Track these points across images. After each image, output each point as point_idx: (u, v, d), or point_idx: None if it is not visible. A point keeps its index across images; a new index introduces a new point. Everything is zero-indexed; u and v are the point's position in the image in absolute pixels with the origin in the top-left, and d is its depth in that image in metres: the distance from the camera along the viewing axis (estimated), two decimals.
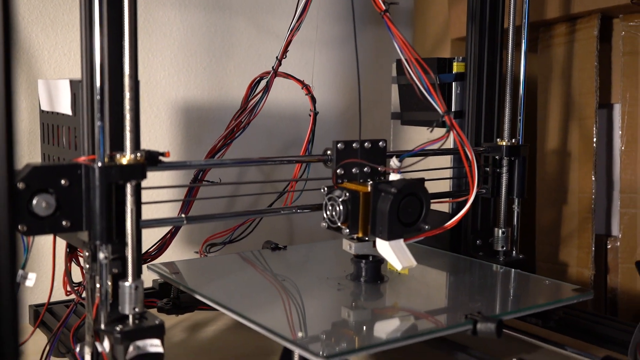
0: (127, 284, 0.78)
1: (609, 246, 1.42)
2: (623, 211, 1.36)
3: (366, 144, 0.97)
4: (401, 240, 0.90)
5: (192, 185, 1.09)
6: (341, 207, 0.90)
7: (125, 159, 0.77)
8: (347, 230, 0.90)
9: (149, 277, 1.08)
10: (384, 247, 0.90)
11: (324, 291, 0.97)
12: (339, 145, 0.95)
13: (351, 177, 0.96)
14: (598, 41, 1.37)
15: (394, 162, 0.92)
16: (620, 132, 1.37)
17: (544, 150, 1.48)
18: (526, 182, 1.29)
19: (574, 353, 0.97)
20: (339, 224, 0.90)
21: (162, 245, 1.12)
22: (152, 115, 1.31)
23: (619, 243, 1.38)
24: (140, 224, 0.80)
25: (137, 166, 0.77)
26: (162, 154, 0.83)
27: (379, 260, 1.00)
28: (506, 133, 1.28)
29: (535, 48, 1.50)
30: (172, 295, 1.02)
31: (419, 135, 1.40)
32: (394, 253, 0.89)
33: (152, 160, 0.81)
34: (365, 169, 0.96)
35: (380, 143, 0.99)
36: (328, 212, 0.92)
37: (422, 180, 0.92)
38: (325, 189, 0.93)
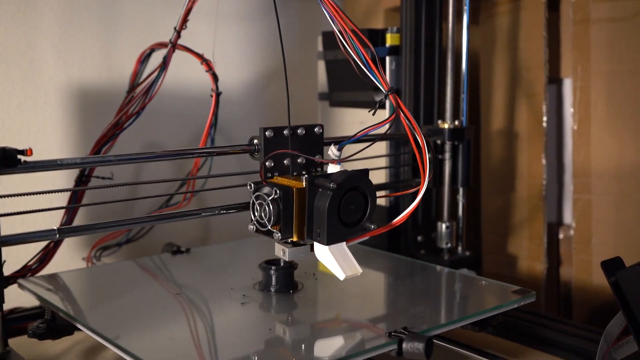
0: None
1: (561, 236, 1.39)
2: (576, 197, 1.33)
3: (299, 130, 0.89)
4: (343, 244, 0.83)
5: (70, 190, 0.98)
6: (271, 206, 0.82)
7: None
8: (279, 234, 0.82)
9: None
10: (323, 253, 0.82)
11: (224, 306, 0.90)
12: (267, 132, 0.87)
13: (283, 170, 0.88)
14: (546, 9, 1.33)
15: (332, 151, 0.84)
16: (571, 110, 1.34)
17: (489, 131, 1.44)
18: (471, 170, 1.24)
19: None
20: (269, 227, 0.82)
21: (45, 256, 1.02)
22: (39, 102, 1.20)
23: (572, 232, 1.35)
24: None
25: None
26: (23, 152, 0.74)
27: (292, 266, 0.94)
28: (448, 114, 1.23)
29: (476, 19, 1.45)
30: (46, 316, 0.92)
31: (351, 118, 1.34)
32: (334, 259, 0.81)
33: (9, 160, 0.72)
34: (299, 160, 0.89)
35: (316, 129, 0.91)
36: (257, 213, 0.84)
37: (366, 171, 0.85)
38: (252, 185, 0.85)
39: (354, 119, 1.32)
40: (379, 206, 1.26)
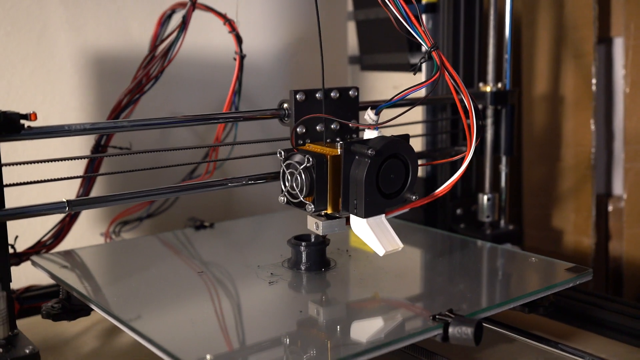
0: None
1: (610, 208, 1.34)
2: (628, 166, 1.28)
3: (333, 93, 0.84)
4: (382, 217, 0.78)
5: (84, 157, 0.94)
6: (303, 176, 0.77)
7: None
8: (312, 206, 0.78)
9: None
10: (360, 226, 0.77)
11: (251, 285, 0.85)
12: (298, 95, 0.82)
13: (315, 137, 0.83)
14: None
15: (369, 115, 0.79)
16: (623, 72, 1.28)
17: (532, 95, 1.38)
18: (515, 136, 1.19)
19: (566, 351, 0.87)
20: (302, 198, 0.78)
21: (60, 231, 0.98)
22: (54, 69, 1.15)
23: (623, 204, 1.30)
24: None
25: None
26: (26, 117, 0.69)
27: (323, 242, 0.88)
28: (490, 76, 1.17)
29: None
30: (60, 296, 0.88)
31: (383, 82, 1.29)
32: (373, 233, 0.77)
33: (10, 125, 0.68)
34: (333, 126, 0.84)
35: (351, 92, 0.86)
36: (287, 183, 0.80)
37: (406, 137, 0.80)
38: (282, 153, 0.80)
39: (387, 84, 1.27)
40: None
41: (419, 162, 1.20)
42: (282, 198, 0.81)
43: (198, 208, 1.30)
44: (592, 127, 1.29)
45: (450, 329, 0.69)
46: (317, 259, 0.88)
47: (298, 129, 0.82)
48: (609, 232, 1.34)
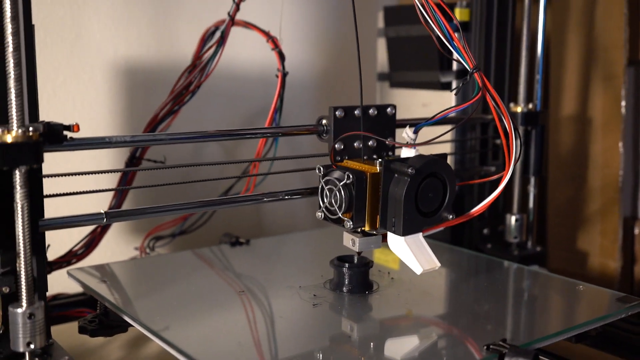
0: (19, 310, 0.65)
1: (637, 231, 1.34)
2: None
3: (371, 110, 0.85)
4: (420, 235, 0.79)
5: (121, 170, 0.95)
6: (342, 192, 0.77)
7: (11, 135, 0.63)
8: (350, 223, 0.78)
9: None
10: (398, 244, 0.78)
11: (295, 307, 0.84)
12: (337, 112, 0.83)
13: (353, 154, 0.84)
14: None
15: (407, 133, 0.80)
16: None
17: (559, 116, 1.38)
18: (544, 158, 1.19)
19: None
20: (340, 215, 0.78)
21: (91, 242, 0.99)
22: (85, 79, 1.16)
23: None
24: (38, 226, 0.68)
25: (26, 145, 0.64)
26: (69, 128, 0.70)
27: (367, 264, 0.87)
28: (522, 96, 1.17)
29: None
30: (98, 311, 0.88)
31: (412, 100, 1.29)
32: (411, 252, 0.77)
33: (54, 136, 0.68)
34: (370, 143, 0.84)
35: (389, 109, 0.87)
36: (326, 199, 0.80)
37: (444, 156, 0.81)
38: (322, 169, 0.81)
39: (416, 101, 1.28)
40: None
41: (467, 181, 1.21)
42: (320, 214, 0.81)
43: (231, 226, 1.30)
44: (621, 149, 1.29)
45: None
46: (360, 281, 0.87)
47: (337, 146, 0.83)
48: (635, 256, 1.34)
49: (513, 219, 1.18)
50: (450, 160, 1.22)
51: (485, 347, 0.70)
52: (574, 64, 1.35)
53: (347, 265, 0.87)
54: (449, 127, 1.20)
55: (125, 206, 1.13)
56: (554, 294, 0.93)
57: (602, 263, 1.33)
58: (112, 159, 1.18)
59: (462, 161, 1.23)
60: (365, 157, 0.84)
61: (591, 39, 1.32)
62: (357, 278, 0.87)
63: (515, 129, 0.78)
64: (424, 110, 1.28)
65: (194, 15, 1.27)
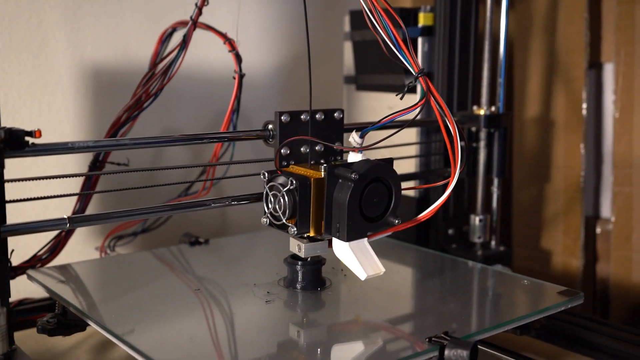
0: None
1: (598, 230, 1.28)
2: (617, 189, 1.22)
3: (318, 115, 0.79)
4: (365, 241, 0.73)
5: (83, 175, 0.90)
6: (286, 198, 0.72)
7: None
8: (294, 229, 0.73)
9: None
10: (342, 250, 0.73)
11: (248, 305, 0.80)
12: (283, 117, 0.77)
13: (300, 159, 0.78)
14: None
15: (353, 138, 0.74)
16: (613, 97, 1.22)
17: (523, 118, 1.33)
18: (507, 159, 1.14)
19: None
20: (284, 221, 0.73)
21: (56, 245, 0.94)
22: (51, 82, 1.11)
23: (611, 226, 1.24)
24: (0, 231, 0.64)
25: None
26: (31, 134, 0.66)
27: (319, 261, 0.83)
28: (484, 99, 1.12)
29: None
30: (56, 310, 0.83)
31: (378, 103, 1.24)
32: (355, 257, 0.72)
33: (15, 142, 0.65)
34: (318, 148, 0.79)
35: (336, 114, 0.81)
36: (270, 205, 0.75)
37: (390, 161, 0.75)
38: (266, 174, 0.75)
39: (382, 104, 1.22)
40: (407, 197, 1.16)
41: (411, 183, 1.16)
42: (265, 220, 0.76)
43: (193, 223, 1.25)
44: (582, 150, 1.24)
45: (446, 352, 0.66)
46: (312, 278, 0.83)
47: (282, 151, 0.77)
48: (596, 254, 1.29)
49: (477, 219, 1.14)
50: (415, 161, 1.17)
51: (427, 340, 0.68)
52: (537, 67, 1.30)
53: (299, 263, 0.82)
54: (414, 130, 1.15)
55: (90, 209, 1.08)
56: (500, 289, 0.90)
57: (565, 261, 1.28)
58: (78, 162, 1.12)
59: (427, 163, 1.18)
60: (312, 162, 0.79)
61: (553, 42, 1.27)
62: (310, 275, 0.83)
63: (461, 134, 0.72)
64: (389, 112, 1.22)
65: (159, 17, 1.21)
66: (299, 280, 0.83)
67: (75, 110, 1.14)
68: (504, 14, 1.11)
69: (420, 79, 0.72)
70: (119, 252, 1.11)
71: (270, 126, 0.79)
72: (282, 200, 0.72)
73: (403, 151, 1.13)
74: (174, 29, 1.01)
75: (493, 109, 1.11)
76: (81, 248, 1.15)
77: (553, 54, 1.27)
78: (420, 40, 1.16)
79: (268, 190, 0.75)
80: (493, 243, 1.15)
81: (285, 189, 0.72)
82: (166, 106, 1.22)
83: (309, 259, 0.83)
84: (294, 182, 0.71)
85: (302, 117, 0.78)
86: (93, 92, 1.16)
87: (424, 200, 1.18)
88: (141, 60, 1.19)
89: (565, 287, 0.85)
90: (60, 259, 0.97)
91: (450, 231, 1.18)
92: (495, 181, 1.14)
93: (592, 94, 1.27)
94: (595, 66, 1.27)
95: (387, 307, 0.81)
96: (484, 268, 0.96)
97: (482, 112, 1.10)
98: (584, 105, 1.23)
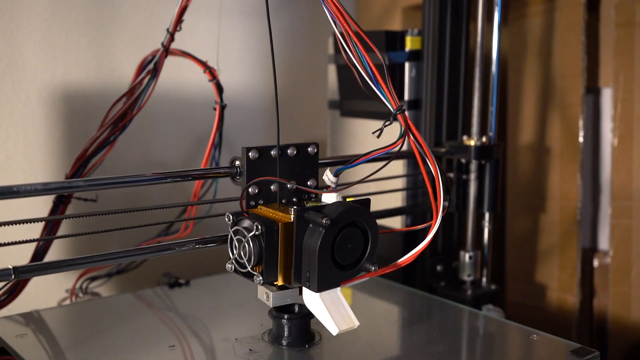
0: None
1: (595, 263, 1.23)
2: (615, 222, 1.17)
3: (290, 150, 0.74)
4: (337, 290, 0.68)
5: (42, 220, 0.84)
6: (252, 244, 0.67)
7: None
8: (260, 278, 0.68)
9: None
10: (313, 301, 0.68)
11: None
12: (250, 153, 0.72)
13: (269, 198, 0.74)
14: (585, 10, 1.17)
15: (327, 176, 0.70)
16: (611, 124, 1.18)
17: (517, 146, 1.28)
18: (499, 192, 1.09)
19: None
20: (249, 269, 0.68)
21: (15, 287, 0.88)
22: (19, 105, 1.06)
23: (609, 260, 1.19)
24: None
25: None
26: None
27: (307, 314, 0.77)
28: (475, 129, 1.07)
29: (505, 20, 1.29)
30: None
31: (363, 129, 1.19)
32: (327, 310, 0.67)
33: None
34: (289, 186, 0.74)
35: (310, 149, 0.76)
36: (235, 251, 0.70)
37: (366, 202, 0.70)
38: (231, 217, 0.70)
39: (367, 131, 1.17)
40: (388, 229, 1.11)
41: (398, 219, 1.11)
42: (230, 266, 0.71)
43: (172, 263, 1.19)
44: (579, 180, 1.19)
45: None
46: (300, 333, 0.77)
47: (250, 190, 0.72)
48: (594, 288, 1.24)
49: (467, 256, 1.09)
50: (402, 195, 1.12)
51: None
52: (531, 91, 1.25)
53: (286, 316, 0.76)
54: (398, 162, 1.11)
55: (57, 247, 1.04)
56: (507, 346, 0.84)
57: (561, 297, 1.23)
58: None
59: (415, 196, 1.13)
60: (283, 201, 0.74)
61: (549, 65, 1.23)
62: (297, 330, 0.77)
63: (443, 176, 0.67)
64: (376, 140, 1.18)
65: (135, 37, 1.17)
66: (285, 335, 0.77)
67: (45, 135, 1.10)
68: (495, 36, 1.06)
69: (399, 116, 0.67)
70: (93, 293, 1.05)
71: (237, 163, 0.74)
72: (247, 246, 0.68)
73: (389, 184, 1.08)
74: (153, 57, 0.96)
75: (484, 139, 1.06)
76: (52, 286, 1.11)
77: (548, 77, 1.23)
78: (407, 65, 1.11)
79: (233, 235, 0.70)
80: (484, 281, 1.10)
81: (250, 234, 0.67)
82: (147, 132, 1.17)
83: (296, 309, 0.77)
84: (260, 227, 0.66)
85: (272, 152, 0.73)
86: (65, 116, 1.11)
87: (412, 234, 1.13)
88: (115, 81, 1.14)
89: (579, 345, 0.79)
90: (27, 298, 0.92)
91: (438, 267, 1.13)
92: (487, 215, 1.09)
93: (590, 120, 1.23)
94: (592, 91, 1.23)
95: None
96: (490, 319, 0.91)
97: (472, 142, 1.06)
98: (581, 133, 1.18)
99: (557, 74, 1.22)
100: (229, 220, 0.70)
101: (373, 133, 0.70)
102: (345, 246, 0.67)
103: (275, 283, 0.70)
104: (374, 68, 0.68)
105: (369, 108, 1.17)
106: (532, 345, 0.81)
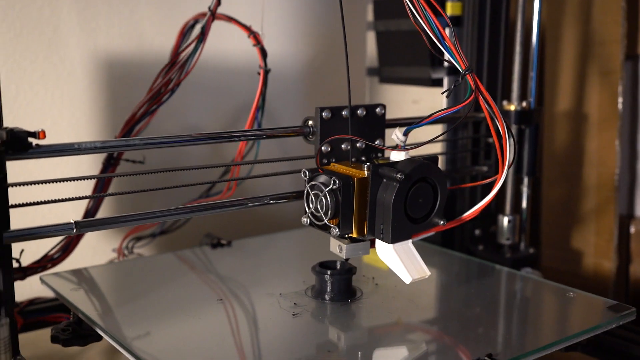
0: None
1: (632, 230, 1.31)
2: None
3: (359, 111, 0.82)
4: (409, 242, 0.76)
5: (94, 177, 0.91)
6: (329, 198, 0.75)
7: None
8: (337, 230, 0.75)
9: None
10: (386, 252, 0.75)
11: (274, 318, 0.81)
12: (324, 113, 0.80)
13: (341, 156, 0.81)
14: None
15: (397, 135, 0.77)
16: None
17: (554, 112, 1.36)
18: (538, 157, 1.17)
19: None
20: (326, 221, 0.76)
21: (67, 245, 0.95)
22: (64, 73, 1.13)
23: None
24: (2, 238, 0.66)
25: None
26: (34, 134, 0.67)
27: (350, 270, 0.85)
28: (515, 94, 1.14)
29: None
30: (71, 318, 0.85)
31: (402, 96, 1.27)
32: (400, 260, 0.75)
33: (18, 144, 0.66)
34: (359, 144, 0.82)
35: (378, 109, 0.83)
36: (312, 205, 0.78)
37: (435, 159, 0.78)
38: (307, 173, 0.78)
39: (406, 98, 1.25)
40: None
41: (460, 184, 1.19)
42: (305, 219, 0.79)
43: (214, 224, 1.27)
44: (617, 147, 1.26)
45: None
46: (342, 288, 0.85)
47: (323, 148, 0.80)
48: (630, 255, 1.32)
49: (505, 220, 1.16)
50: (441, 160, 1.20)
51: None
52: (569, 59, 1.33)
53: (328, 272, 0.84)
54: (440, 127, 1.18)
55: (105, 208, 1.11)
56: (544, 303, 0.91)
57: (597, 263, 1.31)
58: (92, 157, 1.15)
59: (454, 160, 1.21)
60: (353, 160, 0.82)
61: (588, 33, 1.30)
62: (339, 285, 0.85)
63: (509, 132, 0.75)
64: (414, 107, 1.25)
65: (175, 5, 1.24)
66: (328, 290, 0.84)
67: (89, 102, 1.16)
68: (537, 4, 1.13)
69: (469, 76, 0.75)
70: (138, 253, 1.13)
71: (310, 122, 0.81)
72: (324, 200, 0.75)
73: (429, 148, 1.15)
74: (196, 21, 1.02)
75: (524, 104, 1.13)
76: (97, 247, 1.18)
77: (587, 45, 1.30)
78: (447, 31, 1.18)
79: (309, 190, 0.77)
80: (522, 245, 1.18)
81: (327, 188, 0.75)
82: (185, 100, 1.23)
83: (338, 267, 0.85)
84: (337, 181, 0.74)
85: (343, 113, 0.81)
86: (107, 83, 1.18)
87: (451, 199, 1.21)
88: (156, 50, 1.21)
89: (616, 302, 0.85)
90: (74, 258, 0.99)
91: (477, 232, 1.20)
92: (526, 180, 1.16)
93: (629, 87, 1.30)
94: (632, 58, 1.29)
95: (424, 322, 0.83)
96: (527, 278, 0.97)
97: (512, 107, 1.12)
98: (620, 100, 1.26)
99: (596, 41, 1.29)
100: (305, 177, 0.78)
101: (442, 93, 0.77)
102: (416, 200, 0.75)
103: (347, 236, 0.78)
104: (442, 31, 0.76)
105: (407, 74, 1.24)
106: (570, 303, 0.87)
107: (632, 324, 0.86)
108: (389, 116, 0.86)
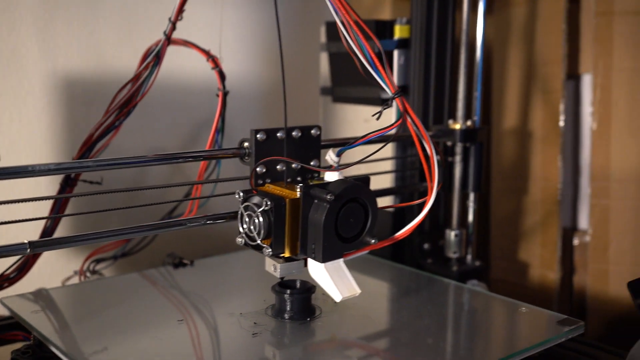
0: None
1: (575, 242, 1.31)
2: (594, 202, 1.25)
3: (294, 132, 0.81)
4: (340, 261, 0.75)
5: (51, 198, 0.90)
6: (261, 218, 0.74)
7: None
8: (269, 250, 0.74)
9: None
10: (318, 271, 0.75)
11: (234, 337, 0.80)
12: (258, 135, 0.79)
13: (276, 177, 0.81)
14: None
15: (330, 157, 0.76)
16: (591, 109, 1.25)
17: (501, 130, 1.36)
18: (483, 173, 1.16)
19: None
20: (259, 241, 0.74)
21: (24, 265, 0.93)
22: (22, 93, 1.12)
23: (588, 238, 1.28)
24: None
25: None
26: None
27: (309, 289, 0.84)
28: (460, 113, 1.15)
29: (490, 8, 1.37)
30: (32, 341, 0.83)
31: (355, 115, 1.26)
32: (330, 279, 0.74)
33: None
34: (294, 165, 0.81)
35: (313, 131, 0.83)
36: (245, 226, 0.76)
37: (367, 180, 0.77)
38: (241, 194, 0.77)
39: (358, 117, 1.24)
40: (383, 211, 1.18)
41: (387, 199, 1.18)
42: (240, 240, 0.78)
43: (178, 245, 1.25)
44: (559, 162, 1.27)
45: None
46: (302, 307, 0.84)
47: (258, 169, 0.79)
48: (574, 266, 1.32)
49: (452, 234, 1.16)
50: (390, 177, 1.19)
51: None
52: (515, 79, 1.33)
53: (288, 291, 0.84)
54: (390, 146, 1.17)
55: (65, 229, 1.09)
56: (492, 317, 0.91)
57: (542, 274, 1.31)
58: (51, 178, 1.13)
59: (403, 178, 1.20)
60: (289, 180, 0.81)
61: (532, 54, 1.30)
62: (299, 304, 0.84)
63: (437, 154, 0.74)
64: (366, 125, 1.24)
65: (135, 26, 1.22)
66: (288, 309, 0.84)
67: (47, 122, 1.15)
68: (480, 25, 1.13)
69: (397, 100, 0.74)
70: (100, 274, 1.11)
71: (246, 144, 0.80)
72: (256, 220, 0.74)
73: (379, 166, 1.15)
74: (157, 46, 1.01)
75: (469, 123, 1.13)
76: (61, 268, 1.16)
77: (531, 65, 1.30)
78: (396, 52, 1.18)
79: (243, 210, 0.77)
80: (469, 257, 1.17)
81: (260, 209, 0.74)
82: (146, 120, 1.22)
83: (298, 286, 0.84)
84: (269, 202, 0.73)
85: (278, 134, 0.80)
86: (66, 104, 1.17)
87: (400, 214, 1.20)
88: (115, 70, 1.20)
89: (565, 316, 0.85)
90: (34, 279, 0.97)
91: (426, 246, 1.20)
92: (472, 196, 1.16)
93: (570, 105, 1.31)
94: (574, 77, 1.30)
95: (380, 338, 0.82)
96: (484, 294, 0.97)
97: (457, 126, 1.13)
98: (562, 117, 1.26)
99: (540, 61, 1.29)
100: (239, 197, 0.77)
101: (373, 115, 0.76)
102: (347, 220, 0.74)
103: (282, 255, 0.76)
104: (373, 55, 0.75)
105: (359, 94, 1.24)
106: (519, 317, 0.87)
107: (581, 336, 0.85)
108: (341, 134, 0.85)
